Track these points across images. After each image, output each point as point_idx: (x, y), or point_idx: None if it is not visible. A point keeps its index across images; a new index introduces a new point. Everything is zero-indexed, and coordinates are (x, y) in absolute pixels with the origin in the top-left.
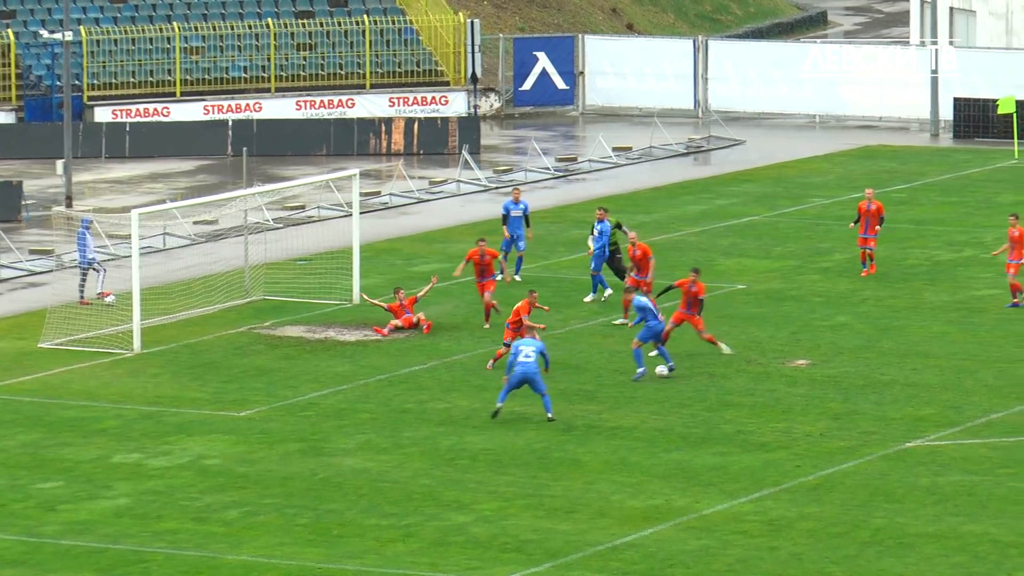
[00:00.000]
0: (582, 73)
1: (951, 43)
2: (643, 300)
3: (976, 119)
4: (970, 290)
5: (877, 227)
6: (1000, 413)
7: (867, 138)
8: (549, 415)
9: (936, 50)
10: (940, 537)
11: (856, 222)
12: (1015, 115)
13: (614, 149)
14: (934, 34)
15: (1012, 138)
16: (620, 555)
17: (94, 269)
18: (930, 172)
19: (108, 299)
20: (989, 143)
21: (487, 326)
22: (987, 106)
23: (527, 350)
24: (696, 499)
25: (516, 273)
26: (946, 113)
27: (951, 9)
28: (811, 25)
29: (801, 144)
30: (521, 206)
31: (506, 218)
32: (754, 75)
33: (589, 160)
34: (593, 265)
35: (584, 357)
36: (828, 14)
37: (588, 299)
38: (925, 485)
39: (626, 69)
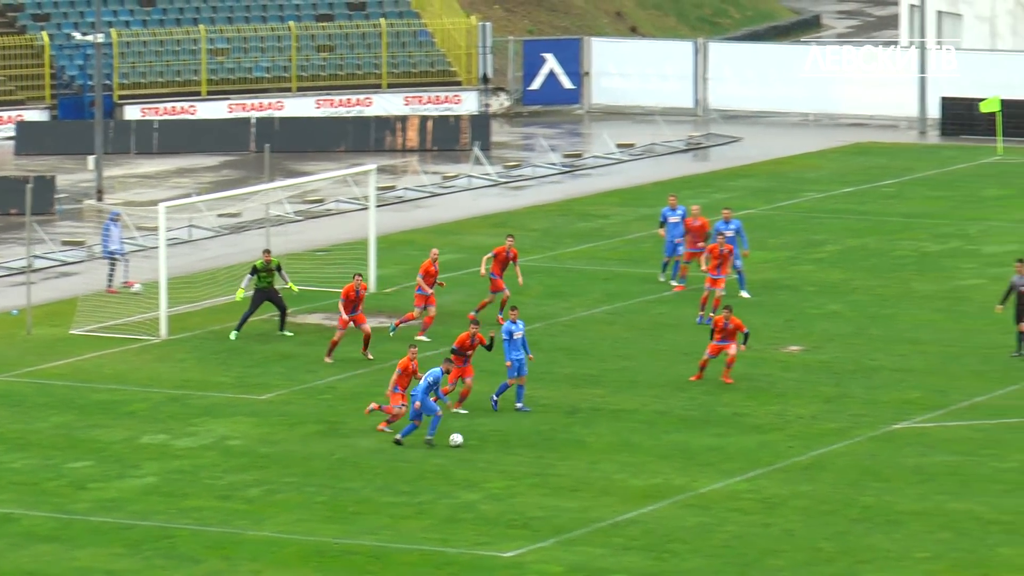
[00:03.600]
0: (588, 73)
1: (938, 45)
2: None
3: (962, 117)
4: (956, 280)
5: (701, 243)
6: (984, 396)
7: (859, 135)
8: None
9: (924, 52)
10: (926, 514)
11: (682, 237)
12: (999, 114)
13: (618, 146)
14: (922, 36)
15: (996, 135)
16: (622, 531)
17: (117, 260)
18: (918, 168)
19: (134, 288)
20: (974, 140)
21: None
22: (972, 105)
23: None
24: (694, 478)
25: (674, 279)
26: (933, 112)
27: (939, 13)
28: (805, 28)
29: (796, 141)
30: (679, 211)
31: (663, 224)
32: (751, 75)
33: (594, 156)
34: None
35: (589, 343)
36: (822, 17)
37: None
38: (912, 465)
39: (630, 70)
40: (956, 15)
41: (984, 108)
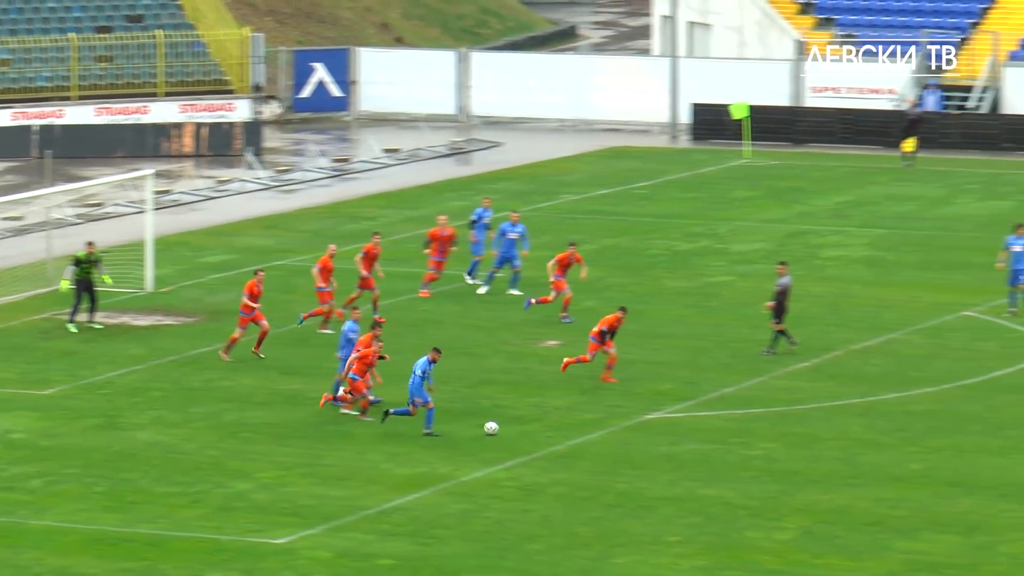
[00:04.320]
0: (355, 82)
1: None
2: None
3: (712, 122)
4: (705, 277)
5: (453, 248)
6: (732, 388)
7: (613, 140)
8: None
9: (675, 60)
10: (677, 500)
11: (428, 247)
12: (747, 119)
13: (384, 151)
14: (674, 46)
15: (743, 139)
16: (388, 518)
17: None
18: (670, 170)
19: None
20: (723, 144)
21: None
22: (722, 111)
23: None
24: (457, 467)
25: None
26: (684, 117)
27: (689, 23)
28: (562, 38)
29: (554, 145)
30: (519, 228)
31: (503, 237)
32: (511, 83)
33: (362, 161)
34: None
35: None
36: (578, 28)
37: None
38: (664, 453)
39: (396, 78)
40: (706, 25)
41: (734, 113)
